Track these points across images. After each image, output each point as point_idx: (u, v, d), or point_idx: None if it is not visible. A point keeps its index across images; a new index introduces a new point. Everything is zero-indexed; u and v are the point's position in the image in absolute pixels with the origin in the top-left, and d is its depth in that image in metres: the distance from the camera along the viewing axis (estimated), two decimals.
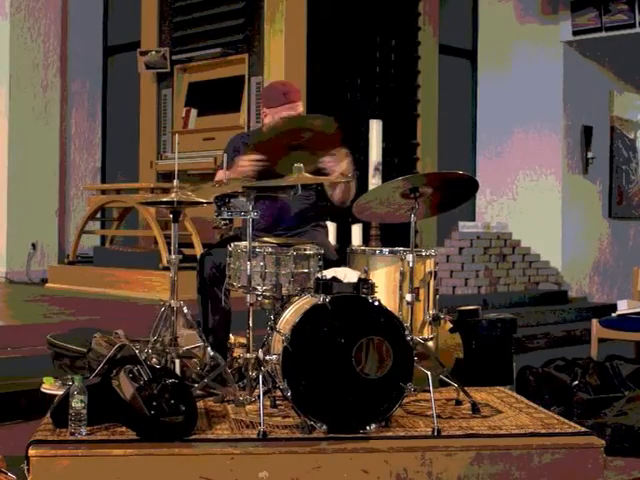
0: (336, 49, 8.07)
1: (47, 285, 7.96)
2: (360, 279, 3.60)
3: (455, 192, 3.99)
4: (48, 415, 3.50)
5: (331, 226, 6.43)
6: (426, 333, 3.94)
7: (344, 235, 6.76)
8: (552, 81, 9.27)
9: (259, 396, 3.52)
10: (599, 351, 5.48)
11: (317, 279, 3.62)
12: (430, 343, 3.98)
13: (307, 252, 3.88)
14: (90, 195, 8.69)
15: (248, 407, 3.79)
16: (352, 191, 4.45)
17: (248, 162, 4.18)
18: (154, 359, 3.87)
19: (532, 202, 9.34)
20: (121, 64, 9.76)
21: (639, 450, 3.91)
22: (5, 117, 8.77)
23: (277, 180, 4.05)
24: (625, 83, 10.10)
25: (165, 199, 4.00)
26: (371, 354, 3.43)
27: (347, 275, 3.71)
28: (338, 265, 4.05)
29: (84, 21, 9.62)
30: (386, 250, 3.97)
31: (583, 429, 3.64)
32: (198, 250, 6.88)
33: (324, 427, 3.40)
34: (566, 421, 3.76)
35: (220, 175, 4.27)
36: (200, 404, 3.79)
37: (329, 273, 3.68)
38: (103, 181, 9.90)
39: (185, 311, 4.00)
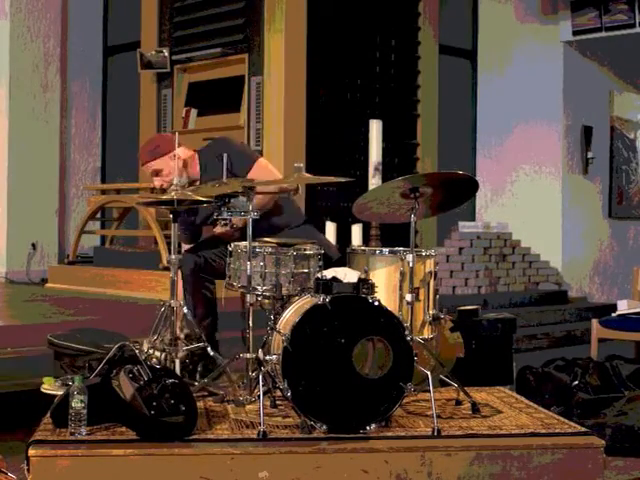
0: (336, 49, 8.06)
1: (47, 285, 7.96)
2: (360, 279, 3.60)
3: (455, 192, 3.99)
4: (48, 415, 3.50)
5: (331, 226, 6.44)
6: (426, 333, 3.94)
7: (344, 235, 6.76)
8: (552, 81, 9.26)
9: (259, 396, 3.52)
10: (599, 351, 5.48)
11: (317, 279, 3.62)
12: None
13: (307, 252, 3.88)
14: (90, 195, 8.69)
15: (248, 407, 3.79)
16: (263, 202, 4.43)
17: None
18: (154, 359, 3.87)
19: (532, 202, 9.33)
20: (121, 64, 9.76)
21: (639, 450, 3.91)
22: (5, 117, 8.77)
23: (277, 180, 4.06)
24: (625, 83, 10.10)
25: (165, 197, 4.00)
26: (371, 354, 3.43)
27: (347, 275, 3.71)
28: (341, 264, 4.05)
29: (84, 21, 9.62)
30: (386, 250, 3.97)
31: (583, 429, 3.64)
32: None
33: (324, 427, 3.40)
34: (566, 421, 3.76)
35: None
36: (200, 404, 3.79)
37: (329, 273, 3.68)
38: (103, 181, 9.90)
39: (185, 311, 4.00)
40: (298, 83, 7.63)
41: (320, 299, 3.46)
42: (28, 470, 3.16)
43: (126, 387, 3.41)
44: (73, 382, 3.34)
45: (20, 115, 8.82)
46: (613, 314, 5.71)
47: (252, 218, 3.80)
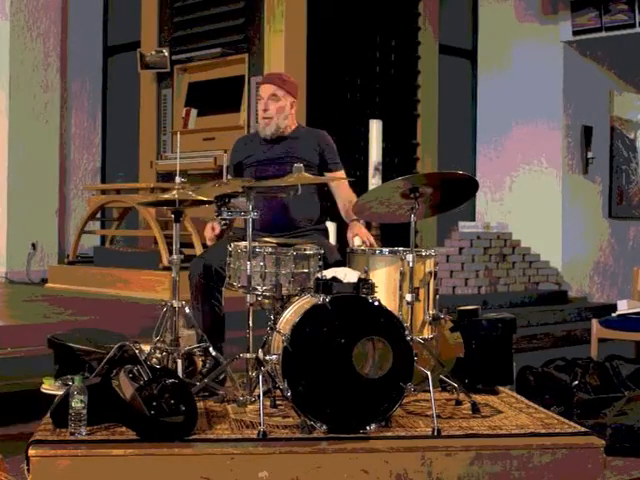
0: (336, 49, 8.06)
1: (47, 285, 7.96)
2: (360, 279, 3.60)
3: (455, 192, 3.99)
4: (48, 415, 3.50)
5: (331, 226, 6.43)
6: (426, 333, 3.94)
7: (344, 235, 6.75)
8: (552, 81, 9.26)
9: (259, 396, 3.52)
10: (599, 351, 5.48)
11: (317, 279, 3.62)
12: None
13: (307, 252, 3.88)
14: (90, 195, 8.69)
15: (248, 407, 3.79)
16: (351, 196, 4.50)
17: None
18: (154, 359, 3.87)
19: (532, 202, 9.34)
20: (121, 64, 9.76)
21: (639, 450, 3.91)
22: (5, 117, 8.77)
23: (277, 180, 4.06)
24: (625, 83, 10.10)
25: (166, 196, 4.00)
26: (371, 354, 3.43)
27: (347, 275, 3.71)
28: (342, 265, 4.05)
29: (84, 21, 9.62)
30: (386, 250, 3.97)
31: (583, 429, 3.64)
32: (198, 250, 6.88)
33: (324, 427, 3.40)
34: (566, 421, 3.76)
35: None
36: (200, 404, 3.79)
37: (329, 273, 3.68)
38: (103, 181, 9.90)
39: (187, 311, 4.00)
40: (298, 83, 7.60)
41: (320, 299, 3.46)
42: (28, 470, 3.16)
43: (126, 387, 3.41)
44: (73, 382, 3.34)
45: (20, 115, 8.82)
46: (613, 314, 5.71)
47: (252, 218, 3.80)
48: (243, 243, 3.92)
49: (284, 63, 7.54)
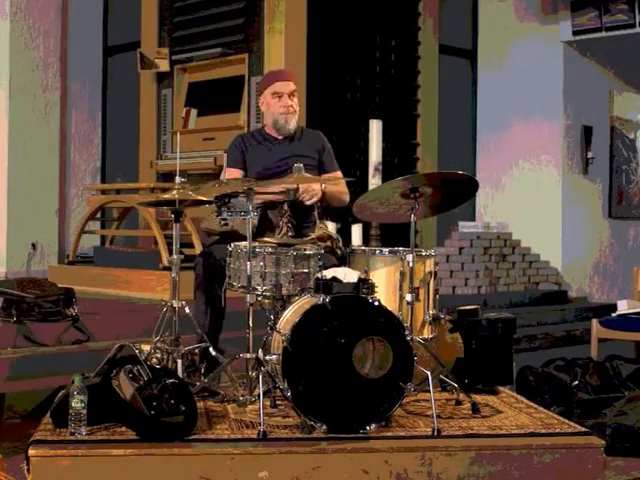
0: (336, 49, 8.06)
1: None
2: (360, 279, 3.60)
3: (455, 192, 3.99)
4: (48, 415, 3.50)
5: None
6: (426, 333, 3.94)
7: (344, 235, 6.75)
8: (552, 81, 9.26)
9: (259, 396, 3.52)
10: (599, 351, 5.49)
11: (317, 279, 3.62)
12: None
13: (307, 252, 3.88)
14: (90, 195, 8.69)
15: (248, 407, 3.79)
16: (343, 190, 4.53)
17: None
18: (154, 359, 3.87)
19: (532, 202, 9.34)
20: (121, 64, 9.75)
21: (639, 450, 3.91)
22: (5, 117, 8.76)
23: (277, 181, 4.06)
24: (625, 83, 10.10)
25: (166, 196, 4.00)
26: (371, 354, 3.43)
27: (347, 275, 3.71)
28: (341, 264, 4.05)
29: (84, 21, 9.61)
30: (386, 250, 3.97)
31: (583, 429, 3.64)
32: (198, 250, 6.87)
33: (324, 427, 3.40)
34: (566, 421, 3.76)
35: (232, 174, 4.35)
36: (200, 404, 3.79)
37: (329, 273, 3.68)
38: (103, 181, 9.89)
39: (187, 311, 4.00)
40: (298, 83, 7.57)
41: (320, 299, 3.46)
42: (28, 470, 3.16)
43: (126, 387, 3.41)
44: (73, 382, 3.34)
45: (20, 115, 8.81)
46: (613, 314, 5.71)
47: (252, 218, 3.80)
48: (243, 243, 3.92)
49: (284, 63, 7.52)
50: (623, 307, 5.76)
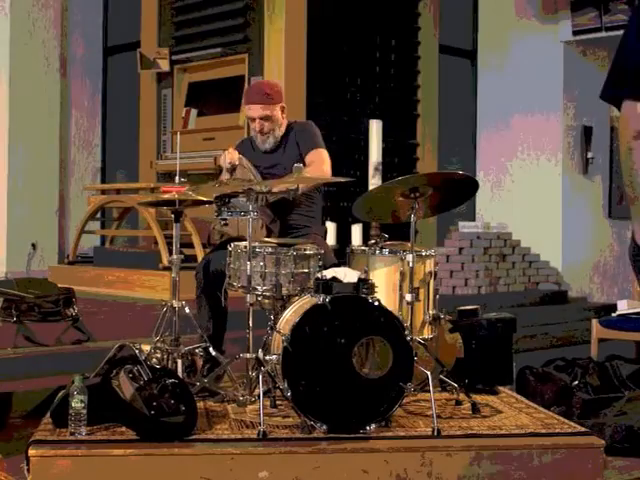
0: (336, 49, 8.06)
1: None
2: (360, 279, 3.60)
3: (455, 192, 3.99)
4: (48, 415, 3.50)
5: (331, 226, 6.44)
6: (426, 333, 3.94)
7: (344, 235, 6.76)
8: (552, 81, 9.26)
9: (259, 396, 3.52)
10: (599, 351, 5.48)
11: (317, 279, 3.62)
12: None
13: (307, 252, 3.88)
14: (90, 195, 8.69)
15: (248, 407, 3.79)
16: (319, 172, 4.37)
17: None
18: (154, 359, 3.87)
19: (532, 202, 9.33)
20: (121, 64, 9.76)
21: (639, 450, 3.91)
22: (5, 117, 8.77)
23: (277, 181, 4.06)
24: None
25: (166, 196, 4.00)
26: (371, 354, 3.43)
27: (347, 275, 3.71)
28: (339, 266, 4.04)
29: (84, 21, 9.62)
30: (386, 250, 3.97)
31: (583, 429, 3.64)
32: (198, 250, 6.88)
33: (324, 427, 3.40)
34: (566, 421, 3.76)
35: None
36: (200, 404, 3.79)
37: (329, 273, 3.68)
38: (103, 181, 9.90)
39: (187, 311, 4.00)
40: (298, 83, 7.63)
41: (320, 299, 3.46)
42: (28, 470, 3.16)
43: (126, 387, 3.41)
44: (73, 382, 3.34)
45: (20, 115, 8.82)
46: (613, 314, 5.71)
47: (252, 218, 3.80)
48: (243, 243, 3.92)
49: (284, 63, 7.54)
50: (623, 307, 5.76)
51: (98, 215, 8.40)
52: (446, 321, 4.24)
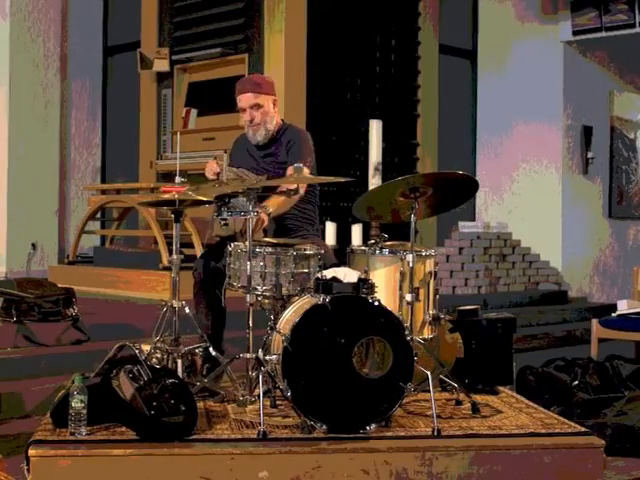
0: (336, 49, 8.07)
1: None
2: (360, 279, 3.60)
3: (455, 192, 3.99)
4: (48, 415, 3.50)
5: (331, 226, 6.44)
6: (426, 333, 3.94)
7: (344, 235, 6.75)
8: (552, 81, 9.26)
9: (259, 396, 3.52)
10: (599, 351, 5.48)
11: (317, 279, 3.62)
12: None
13: (307, 252, 3.88)
14: (90, 195, 8.69)
15: (248, 407, 3.79)
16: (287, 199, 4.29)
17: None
18: (154, 359, 3.87)
19: (532, 202, 9.34)
20: (121, 64, 9.76)
21: (639, 450, 3.91)
22: (5, 117, 8.77)
23: (277, 181, 4.05)
24: (625, 83, 10.10)
25: (166, 196, 4.00)
26: (371, 354, 3.43)
27: (347, 275, 3.71)
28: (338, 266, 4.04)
29: (84, 21, 9.62)
30: (386, 250, 3.97)
31: (583, 429, 3.64)
32: (198, 250, 6.88)
33: (324, 427, 3.40)
34: (566, 421, 3.76)
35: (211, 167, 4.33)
36: (200, 404, 3.79)
37: (329, 273, 3.68)
38: (103, 181, 9.90)
39: (187, 311, 4.00)
40: (298, 83, 7.63)
41: (320, 299, 3.46)
42: (28, 470, 3.16)
43: (126, 387, 3.41)
44: (73, 382, 3.34)
45: (20, 115, 8.81)
46: (613, 314, 5.71)
47: (252, 218, 3.80)
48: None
49: (284, 63, 7.54)
50: (623, 307, 5.76)
51: (98, 215, 8.41)
52: (446, 321, 4.24)
